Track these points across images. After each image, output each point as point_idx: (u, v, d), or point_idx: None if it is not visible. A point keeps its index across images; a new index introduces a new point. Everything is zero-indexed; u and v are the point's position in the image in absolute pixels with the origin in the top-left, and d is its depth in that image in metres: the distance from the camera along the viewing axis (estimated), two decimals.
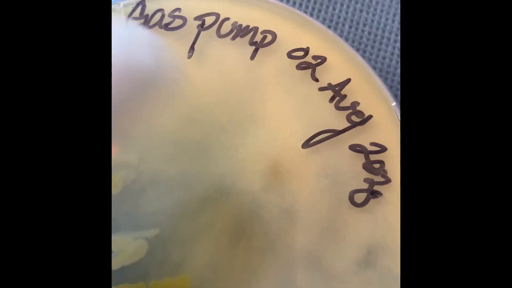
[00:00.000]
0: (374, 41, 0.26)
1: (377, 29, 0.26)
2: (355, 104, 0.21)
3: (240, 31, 0.22)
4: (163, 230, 0.20)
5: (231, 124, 0.21)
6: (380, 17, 0.26)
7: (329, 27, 0.26)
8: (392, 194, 0.20)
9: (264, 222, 0.20)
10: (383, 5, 0.26)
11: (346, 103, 0.21)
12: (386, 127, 0.21)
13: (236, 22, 0.22)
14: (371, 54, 0.26)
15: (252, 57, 0.22)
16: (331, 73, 0.21)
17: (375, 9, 0.26)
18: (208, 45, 0.22)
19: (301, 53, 0.22)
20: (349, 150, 0.21)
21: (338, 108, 0.21)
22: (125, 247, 0.20)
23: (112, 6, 0.22)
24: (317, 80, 0.21)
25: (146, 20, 0.22)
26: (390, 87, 0.25)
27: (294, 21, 0.22)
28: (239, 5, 0.22)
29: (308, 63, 0.21)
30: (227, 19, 0.22)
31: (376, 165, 0.21)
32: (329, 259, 0.20)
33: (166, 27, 0.22)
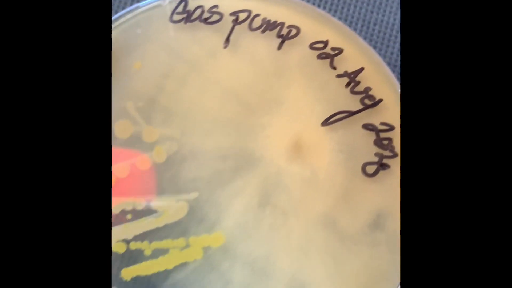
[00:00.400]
0: (383, 38, 0.29)
1: (386, 28, 0.29)
2: (367, 89, 0.24)
3: (268, 25, 0.25)
4: (201, 194, 0.24)
5: (259, 106, 0.25)
6: (389, 18, 0.30)
7: (345, 24, 0.29)
8: (399, 167, 0.24)
9: (287, 189, 0.24)
10: (391, 7, 0.30)
11: (359, 88, 0.24)
12: (394, 109, 0.24)
13: (266, 18, 0.25)
14: (380, 49, 0.29)
15: (279, 48, 0.25)
16: (347, 63, 0.25)
17: (384, 11, 0.30)
18: (241, 37, 0.25)
19: (321, 45, 0.25)
20: (362, 129, 0.24)
21: (352, 92, 0.24)
22: (168, 207, 0.24)
23: (158, 1, 0.25)
24: (334, 68, 0.25)
25: (188, 15, 0.25)
26: (397, 77, 0.29)
27: (315, 18, 0.26)
28: (268, 4, 0.25)
29: (327, 53, 0.25)
30: (257, 15, 0.25)
31: (385, 142, 0.24)
32: (343, 221, 0.23)
33: (205, 21, 0.25)
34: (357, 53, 0.25)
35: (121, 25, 0.25)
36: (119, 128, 0.24)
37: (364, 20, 0.30)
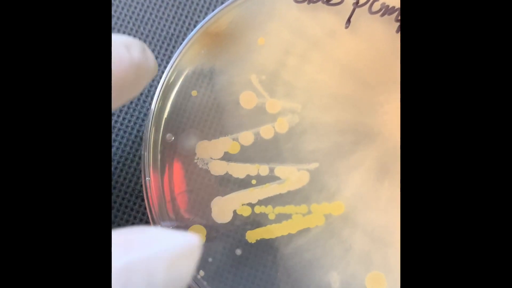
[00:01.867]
0: None
1: None
2: None
3: (387, 10, 0.26)
4: (321, 164, 0.25)
5: (377, 84, 0.26)
6: None
7: None
8: None
9: None
10: None
11: None
12: None
13: (384, 3, 0.27)
14: None
15: (397, 31, 0.26)
16: None
17: None
18: (361, 19, 0.26)
19: None
20: None
21: None
22: (290, 175, 0.25)
23: None
24: None
25: None
26: None
27: None
28: None
29: None
30: (377, 0, 0.27)
31: None
32: None
33: (328, 2, 0.26)
34: None
35: (246, 2, 0.27)
36: (244, 98, 0.25)
37: None
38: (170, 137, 0.25)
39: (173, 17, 0.29)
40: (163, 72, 0.27)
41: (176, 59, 0.26)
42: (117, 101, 0.20)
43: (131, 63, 0.19)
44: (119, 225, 0.26)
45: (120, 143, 0.27)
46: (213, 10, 0.29)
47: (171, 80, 0.25)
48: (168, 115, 0.25)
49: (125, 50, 0.19)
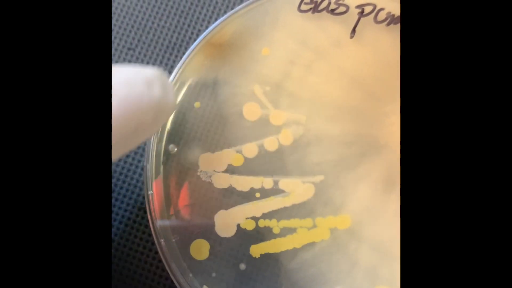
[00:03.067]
0: None
1: None
2: None
3: (393, 19, 0.26)
4: (327, 177, 0.24)
5: (383, 94, 0.25)
6: None
7: None
8: None
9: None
10: None
11: None
12: None
13: (390, 12, 0.26)
14: None
15: None
16: None
17: None
18: (366, 29, 0.26)
19: None
20: None
21: None
22: (295, 188, 0.24)
23: None
24: None
25: (315, 6, 0.26)
26: None
27: None
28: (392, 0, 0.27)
29: None
30: (382, 9, 0.26)
31: None
32: None
33: (332, 12, 0.26)
34: None
35: (250, 12, 0.26)
36: (248, 110, 0.25)
37: None
38: (173, 148, 0.25)
39: (176, 26, 0.29)
40: None
41: (179, 69, 0.25)
42: (132, 144, 0.19)
43: (151, 102, 0.18)
44: (121, 238, 0.26)
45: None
46: (216, 20, 0.29)
47: (174, 91, 0.25)
48: (171, 126, 0.25)
49: (146, 87, 0.18)
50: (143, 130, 0.18)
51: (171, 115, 0.20)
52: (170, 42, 0.29)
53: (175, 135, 0.25)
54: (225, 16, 0.26)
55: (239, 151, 0.25)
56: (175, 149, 0.25)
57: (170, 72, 0.28)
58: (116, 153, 0.18)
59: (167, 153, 0.25)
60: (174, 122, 0.25)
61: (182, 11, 0.29)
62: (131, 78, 0.18)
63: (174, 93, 0.20)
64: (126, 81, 0.18)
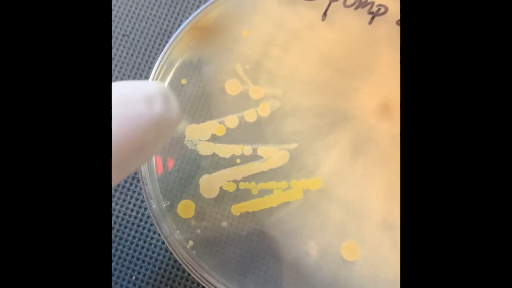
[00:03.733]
0: None
1: None
2: None
3: (360, 3, 0.29)
4: (300, 145, 0.27)
5: (352, 71, 0.28)
6: None
7: None
8: None
9: (377, 143, 0.27)
10: None
11: None
12: None
13: None
14: None
15: (370, 23, 0.29)
16: None
17: None
18: (336, 13, 0.29)
19: None
20: None
21: None
22: (272, 155, 0.27)
23: None
24: None
25: None
26: None
27: None
28: None
29: None
30: None
31: None
32: None
33: None
34: None
35: None
36: (230, 86, 0.28)
37: None
38: None
39: (166, 14, 0.32)
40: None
41: (166, 51, 0.28)
42: (137, 163, 0.18)
43: (152, 120, 0.17)
44: (117, 204, 0.29)
45: None
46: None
47: (162, 71, 0.28)
48: None
49: (146, 105, 0.17)
50: (146, 148, 0.18)
51: (176, 128, 0.19)
52: (161, 28, 0.32)
53: None
54: (209, 2, 0.29)
55: (221, 122, 0.27)
56: None
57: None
58: (121, 174, 0.18)
59: None
60: None
61: (173, 1, 0.32)
62: (129, 96, 0.17)
63: (178, 106, 0.19)
64: (124, 100, 0.17)
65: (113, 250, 0.28)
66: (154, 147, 0.18)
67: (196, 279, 0.26)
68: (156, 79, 0.28)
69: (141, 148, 0.17)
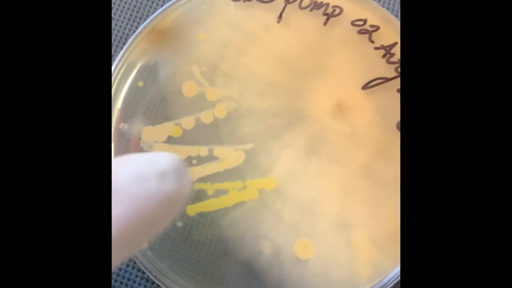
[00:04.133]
0: None
1: None
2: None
3: (316, 5, 0.29)
4: (256, 145, 0.27)
5: (307, 72, 0.28)
6: None
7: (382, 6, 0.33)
8: None
9: (331, 143, 0.27)
10: None
11: (394, 59, 0.28)
12: None
13: None
14: None
15: (325, 24, 0.29)
16: (383, 38, 0.29)
17: None
18: (292, 15, 0.29)
19: (361, 23, 0.29)
20: (396, 92, 0.28)
21: (388, 62, 0.28)
22: (227, 155, 0.27)
23: None
24: (373, 42, 0.29)
25: None
26: None
27: (356, 1, 0.30)
28: None
29: (366, 29, 0.29)
30: None
31: None
32: (380, 170, 0.27)
33: (261, 0, 0.29)
34: (391, 30, 0.29)
35: (189, 3, 0.29)
36: (186, 88, 0.28)
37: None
38: (123, 126, 0.28)
39: (128, 19, 0.32)
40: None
41: (123, 54, 0.28)
42: (147, 237, 0.18)
43: (165, 198, 0.17)
44: None
45: None
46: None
47: (120, 74, 0.28)
48: (121, 106, 0.28)
49: (159, 182, 0.17)
50: (157, 224, 0.18)
51: (188, 198, 0.18)
52: (123, 33, 0.32)
53: (122, 113, 0.28)
54: (165, 5, 0.29)
55: (178, 124, 0.28)
56: (126, 127, 0.28)
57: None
58: (131, 249, 0.18)
59: (117, 131, 0.28)
60: (123, 103, 0.28)
61: (135, 6, 0.33)
62: (142, 172, 0.17)
63: (190, 180, 0.19)
64: (137, 176, 0.17)
65: None
66: (165, 222, 0.18)
67: (153, 279, 0.26)
68: (114, 81, 0.28)
69: (152, 225, 0.17)
